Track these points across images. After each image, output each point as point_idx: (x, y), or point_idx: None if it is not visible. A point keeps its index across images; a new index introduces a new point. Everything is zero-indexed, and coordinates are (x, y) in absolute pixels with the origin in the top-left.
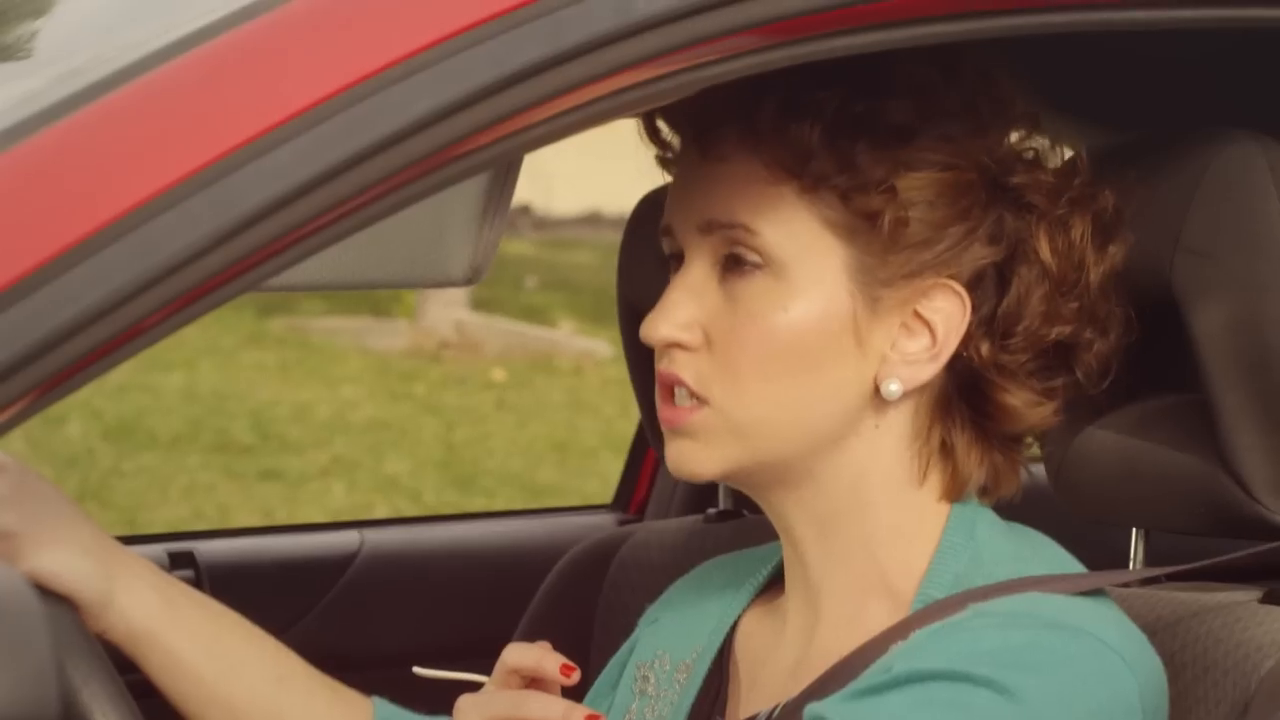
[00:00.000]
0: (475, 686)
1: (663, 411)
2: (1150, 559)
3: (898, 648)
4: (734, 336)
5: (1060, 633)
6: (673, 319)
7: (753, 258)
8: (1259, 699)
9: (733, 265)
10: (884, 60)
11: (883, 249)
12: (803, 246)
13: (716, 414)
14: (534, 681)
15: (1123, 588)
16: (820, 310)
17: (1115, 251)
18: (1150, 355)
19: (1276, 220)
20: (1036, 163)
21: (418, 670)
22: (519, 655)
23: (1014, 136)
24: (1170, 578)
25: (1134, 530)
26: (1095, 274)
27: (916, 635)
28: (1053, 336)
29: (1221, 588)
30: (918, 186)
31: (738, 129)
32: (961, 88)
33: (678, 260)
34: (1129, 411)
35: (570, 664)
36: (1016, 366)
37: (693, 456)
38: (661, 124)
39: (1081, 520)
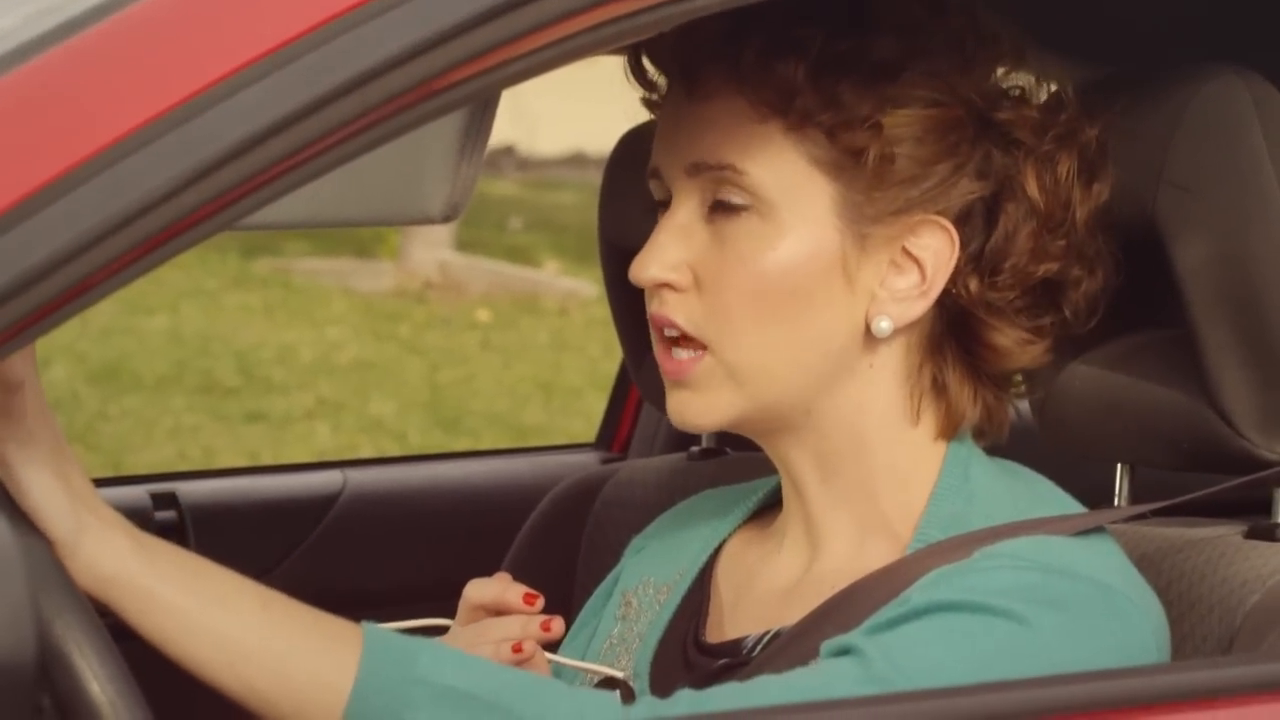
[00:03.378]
0: (434, 632)
1: (664, 364)
2: (1135, 494)
3: (909, 591)
4: (723, 278)
5: (1069, 579)
6: (661, 259)
7: (741, 199)
8: (1244, 634)
9: (720, 206)
10: None
11: (869, 186)
12: (790, 185)
13: (715, 360)
14: (499, 615)
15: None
16: (809, 249)
17: (1100, 190)
18: (1133, 290)
19: (1260, 154)
20: (1023, 99)
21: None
22: (479, 591)
23: (999, 72)
24: (1160, 512)
25: (1119, 466)
26: (1082, 211)
27: (928, 575)
28: (1040, 274)
29: (1206, 523)
30: (904, 123)
31: (723, 67)
32: (947, 24)
33: (666, 206)
34: (1113, 347)
35: (533, 592)
36: (1005, 304)
37: (694, 408)
38: (647, 64)
39: (1066, 456)
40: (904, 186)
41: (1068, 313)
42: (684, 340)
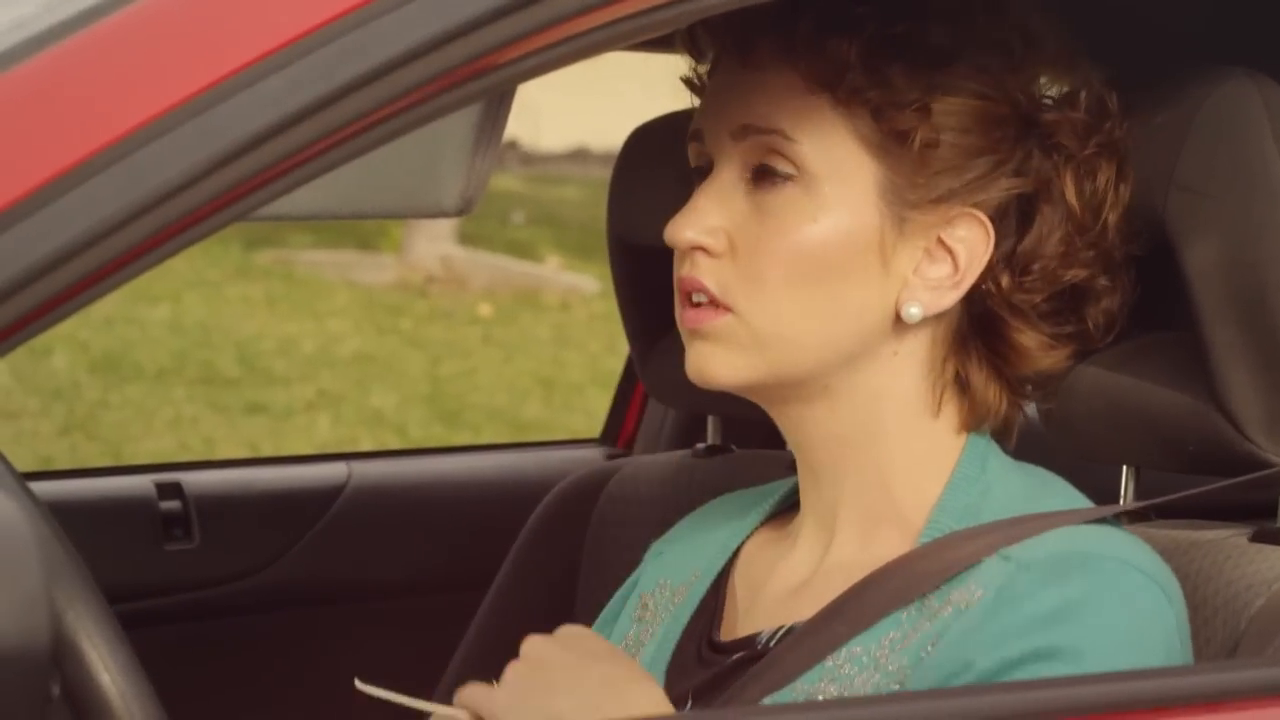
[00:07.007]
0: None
1: (683, 315)
2: (1140, 497)
3: (949, 614)
4: (760, 246)
5: (1108, 566)
6: (699, 223)
7: (785, 168)
8: (1248, 638)
9: (763, 175)
10: None
11: (912, 170)
12: (835, 160)
13: (739, 321)
14: None
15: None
16: (848, 225)
17: (1125, 191)
18: (1142, 292)
19: (1271, 157)
20: (1069, 102)
21: (360, 685)
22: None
23: (1043, 80)
24: (1167, 508)
25: (1124, 468)
26: (1113, 216)
27: (973, 615)
28: (1068, 278)
29: (1212, 526)
30: (951, 112)
31: (776, 40)
32: (1001, 22)
33: (702, 173)
34: (1119, 349)
35: None
36: (1029, 307)
37: (713, 361)
38: (700, 34)
39: (1072, 458)
40: (946, 175)
41: (1089, 323)
42: (710, 304)
